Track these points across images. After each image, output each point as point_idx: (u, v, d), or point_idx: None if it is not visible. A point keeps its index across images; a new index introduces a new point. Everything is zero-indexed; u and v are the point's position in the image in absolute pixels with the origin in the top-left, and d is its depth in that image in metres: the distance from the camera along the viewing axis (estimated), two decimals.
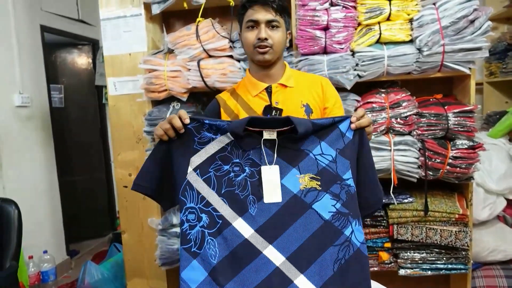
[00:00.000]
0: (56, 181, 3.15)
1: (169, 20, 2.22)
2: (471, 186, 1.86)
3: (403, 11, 1.71)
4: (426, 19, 1.68)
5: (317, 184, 1.00)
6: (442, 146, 1.75)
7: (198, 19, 1.89)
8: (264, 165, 1.01)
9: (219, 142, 1.04)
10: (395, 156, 1.76)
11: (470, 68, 1.75)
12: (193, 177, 1.02)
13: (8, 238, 1.80)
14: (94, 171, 3.78)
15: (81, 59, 3.68)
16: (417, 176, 1.79)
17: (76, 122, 3.68)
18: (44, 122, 3.05)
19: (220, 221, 0.99)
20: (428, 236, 1.82)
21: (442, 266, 1.87)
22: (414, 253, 1.87)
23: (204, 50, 1.87)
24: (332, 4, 1.76)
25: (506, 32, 2.87)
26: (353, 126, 1.04)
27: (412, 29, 1.73)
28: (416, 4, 1.72)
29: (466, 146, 1.74)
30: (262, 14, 1.23)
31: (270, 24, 1.24)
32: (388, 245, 1.89)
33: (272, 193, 0.99)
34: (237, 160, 1.03)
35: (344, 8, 1.74)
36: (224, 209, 1.00)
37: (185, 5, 1.92)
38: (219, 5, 1.97)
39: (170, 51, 1.99)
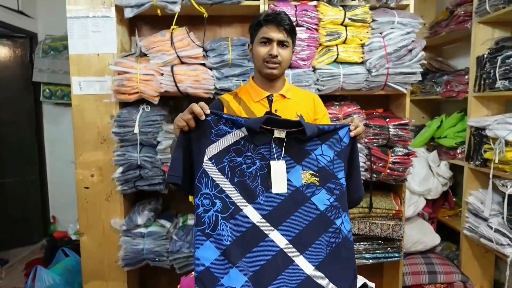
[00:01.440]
0: None
1: (136, 23, 2.25)
2: (404, 187, 2.22)
3: (356, 37, 2.01)
4: (375, 45, 1.99)
5: (316, 180, 1.17)
6: (384, 153, 2.07)
7: (172, 27, 1.97)
8: (273, 159, 1.15)
9: (234, 135, 1.15)
10: None
11: (406, 88, 2.10)
12: (208, 166, 1.12)
13: None
14: (27, 174, 3.51)
15: (16, 53, 3.42)
16: (363, 178, 2.08)
17: (8, 120, 3.38)
18: None
19: (232, 207, 1.11)
20: (371, 229, 2.12)
21: (380, 255, 2.19)
22: (359, 245, 2.16)
23: (178, 56, 1.96)
24: (298, 25, 1.98)
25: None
26: (352, 133, 1.21)
27: (363, 53, 2.03)
28: (367, 32, 2.03)
29: (402, 153, 2.08)
30: (275, 33, 1.37)
31: (281, 43, 1.39)
32: None
33: (279, 184, 1.14)
34: (249, 154, 1.15)
35: (308, 30, 1.98)
36: (236, 197, 1.12)
37: (158, 11, 1.98)
38: (190, 14, 2.07)
39: (142, 55, 2.03)
